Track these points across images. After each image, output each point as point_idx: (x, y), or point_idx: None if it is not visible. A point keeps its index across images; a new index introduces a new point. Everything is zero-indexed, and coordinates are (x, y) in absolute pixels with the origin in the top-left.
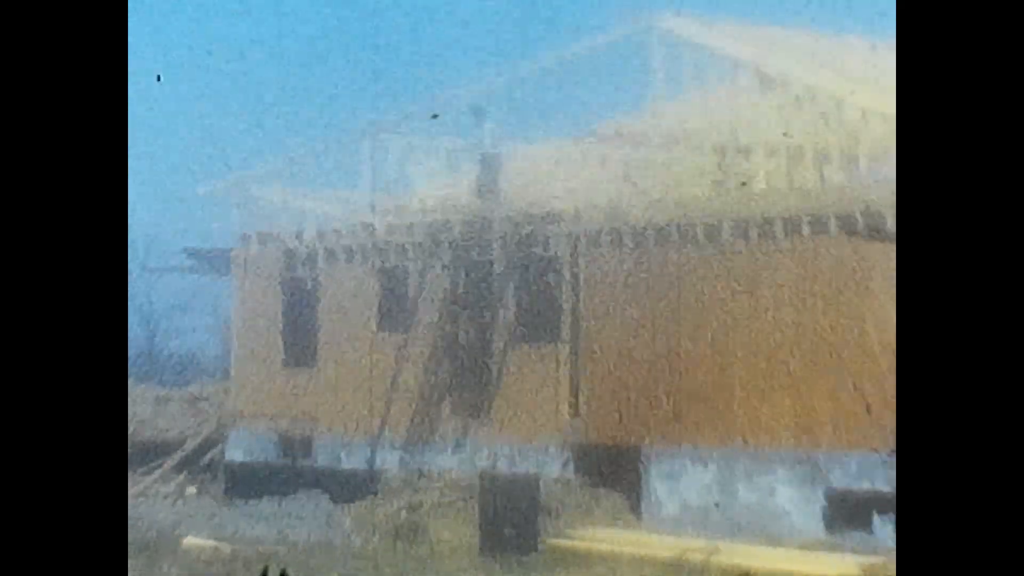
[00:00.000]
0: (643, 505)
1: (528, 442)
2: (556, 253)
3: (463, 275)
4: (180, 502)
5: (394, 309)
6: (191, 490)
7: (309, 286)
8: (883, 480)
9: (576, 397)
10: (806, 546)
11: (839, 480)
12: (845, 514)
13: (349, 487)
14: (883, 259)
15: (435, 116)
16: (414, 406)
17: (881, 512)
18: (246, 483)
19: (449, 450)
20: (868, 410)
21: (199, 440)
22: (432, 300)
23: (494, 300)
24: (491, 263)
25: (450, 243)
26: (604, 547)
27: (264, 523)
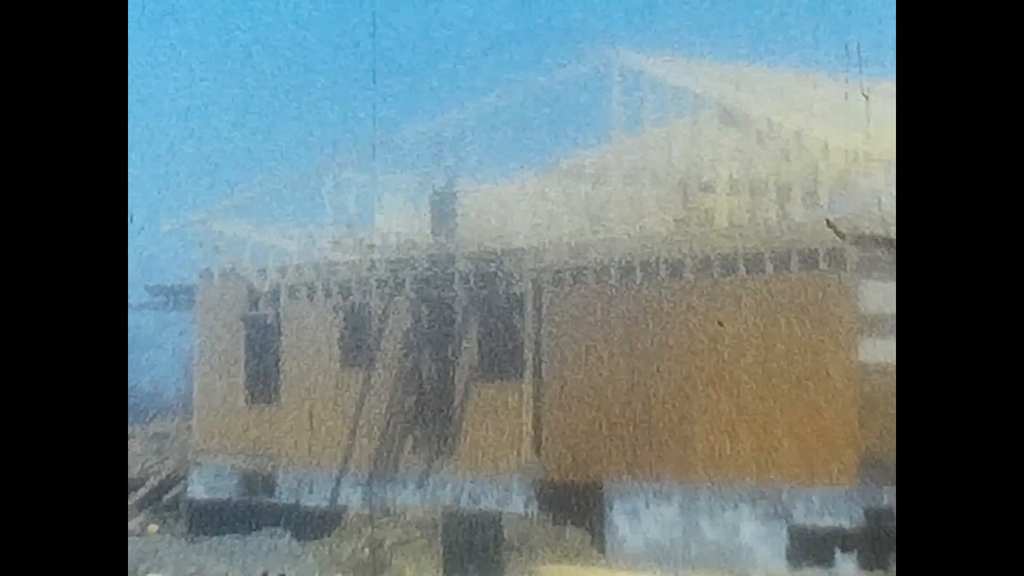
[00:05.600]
0: (607, 541)
1: (491, 478)
2: (519, 290)
3: (426, 312)
4: (143, 540)
5: (357, 346)
6: (154, 527)
7: (272, 323)
8: (845, 515)
9: (539, 433)
10: None
11: (802, 515)
12: (808, 549)
13: (312, 524)
14: (845, 295)
15: None
16: (377, 443)
17: (843, 548)
18: (209, 520)
19: (412, 487)
20: (830, 445)
21: (162, 477)
22: (395, 337)
23: (457, 337)
24: (454, 299)
25: (413, 279)
26: None
27: (227, 560)
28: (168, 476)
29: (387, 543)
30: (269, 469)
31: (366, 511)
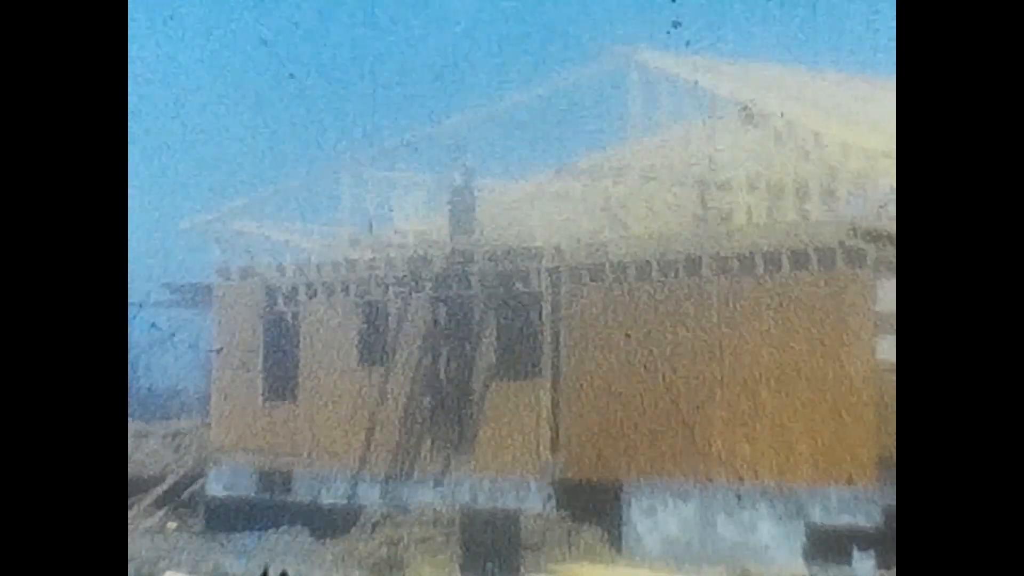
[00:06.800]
0: (624, 540)
1: (509, 477)
2: (537, 288)
3: (444, 310)
4: (160, 537)
5: (375, 344)
6: (171, 525)
7: (289, 320)
8: (863, 515)
9: (557, 432)
10: None
11: (819, 515)
12: (825, 549)
13: (330, 522)
14: (863, 293)
15: None
16: (395, 441)
17: (861, 547)
18: (226, 518)
19: (430, 485)
20: (847, 445)
21: (179, 475)
22: (413, 335)
23: (475, 335)
24: (472, 298)
25: (431, 278)
26: None
27: (244, 558)
28: (186, 473)
29: (404, 541)
30: (287, 467)
31: (383, 509)
